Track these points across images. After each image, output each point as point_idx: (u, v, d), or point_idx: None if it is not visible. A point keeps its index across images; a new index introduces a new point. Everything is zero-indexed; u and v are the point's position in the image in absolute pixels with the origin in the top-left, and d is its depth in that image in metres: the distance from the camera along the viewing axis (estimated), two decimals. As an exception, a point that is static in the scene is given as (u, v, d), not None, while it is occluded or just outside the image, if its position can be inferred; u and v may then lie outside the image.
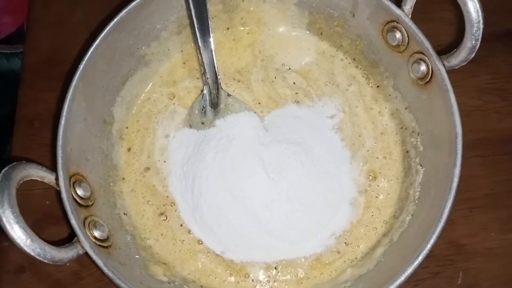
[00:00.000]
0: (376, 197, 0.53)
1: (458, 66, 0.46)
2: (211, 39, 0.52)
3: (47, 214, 0.54)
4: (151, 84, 0.57)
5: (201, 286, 0.51)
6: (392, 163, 0.54)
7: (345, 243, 0.52)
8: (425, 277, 0.52)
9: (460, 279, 0.53)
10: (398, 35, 0.49)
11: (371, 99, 0.56)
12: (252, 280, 0.51)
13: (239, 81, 0.57)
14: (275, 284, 0.51)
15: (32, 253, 0.39)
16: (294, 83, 0.57)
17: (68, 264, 0.52)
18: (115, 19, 0.49)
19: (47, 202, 0.55)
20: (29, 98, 0.59)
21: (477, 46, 0.44)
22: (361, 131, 0.55)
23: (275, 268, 0.51)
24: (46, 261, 0.40)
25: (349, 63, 0.57)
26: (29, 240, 0.39)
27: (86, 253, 0.43)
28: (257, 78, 0.57)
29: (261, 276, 0.51)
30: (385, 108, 0.55)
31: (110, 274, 0.42)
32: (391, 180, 0.53)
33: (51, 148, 0.55)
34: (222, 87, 0.55)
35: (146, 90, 0.57)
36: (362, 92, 0.56)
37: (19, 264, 0.53)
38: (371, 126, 0.55)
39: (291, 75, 0.57)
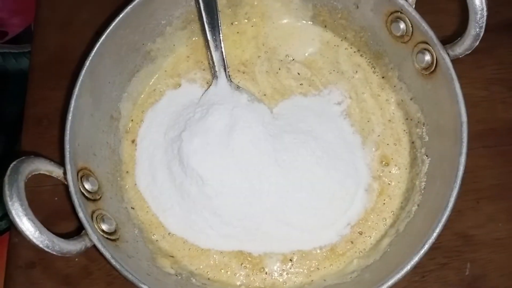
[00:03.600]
0: (389, 184, 0.53)
1: (463, 55, 0.46)
2: (221, 33, 0.53)
3: (56, 210, 0.54)
4: (156, 76, 0.58)
5: (208, 279, 0.50)
6: (402, 150, 0.53)
7: (359, 233, 0.51)
8: (433, 268, 0.52)
9: (468, 270, 0.52)
10: (402, 25, 0.49)
11: (377, 87, 0.55)
12: (266, 273, 0.51)
13: (244, 73, 0.57)
14: (288, 276, 0.50)
15: (41, 245, 0.40)
16: (298, 73, 0.57)
17: (77, 259, 0.53)
18: (120, 16, 0.50)
19: (56, 199, 0.55)
20: (37, 97, 0.60)
21: (481, 34, 0.43)
22: (370, 117, 0.55)
23: (290, 260, 0.51)
24: (54, 253, 0.41)
25: (354, 52, 0.57)
26: (37, 232, 0.40)
27: (95, 247, 0.44)
28: (261, 70, 0.57)
29: (276, 268, 0.51)
30: (391, 98, 0.55)
31: (117, 265, 0.43)
32: (401, 169, 0.53)
33: (59, 145, 0.55)
34: (229, 80, 0.55)
35: (150, 83, 0.57)
36: (369, 79, 0.56)
37: (30, 260, 0.54)
38: (379, 112, 0.55)
39: (295, 65, 0.57)
